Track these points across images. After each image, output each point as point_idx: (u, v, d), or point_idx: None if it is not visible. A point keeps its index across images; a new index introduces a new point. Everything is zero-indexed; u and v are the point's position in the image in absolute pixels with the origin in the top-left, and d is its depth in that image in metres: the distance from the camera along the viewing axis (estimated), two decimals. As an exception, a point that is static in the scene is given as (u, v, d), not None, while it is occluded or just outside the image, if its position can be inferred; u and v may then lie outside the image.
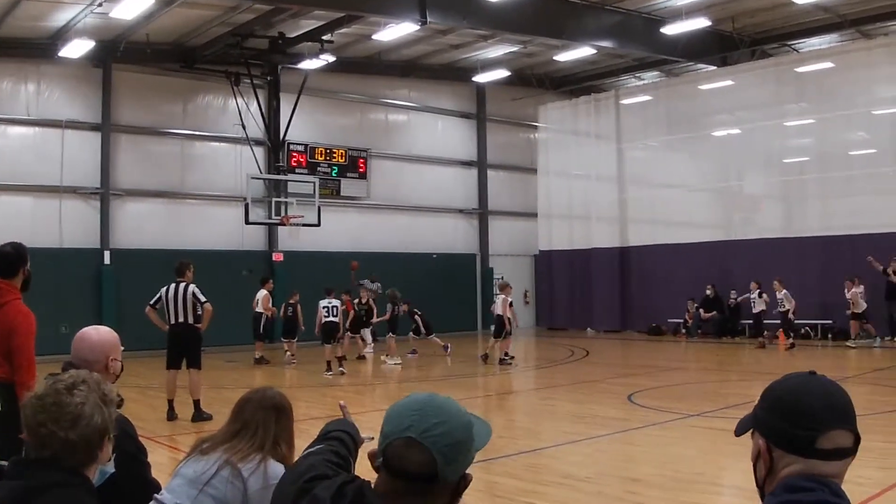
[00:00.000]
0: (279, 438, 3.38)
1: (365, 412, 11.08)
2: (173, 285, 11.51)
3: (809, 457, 1.76)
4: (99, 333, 3.76)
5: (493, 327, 19.47)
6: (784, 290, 20.71)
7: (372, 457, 1.96)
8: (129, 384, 13.54)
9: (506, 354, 18.44)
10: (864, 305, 20.66)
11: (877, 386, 13.79)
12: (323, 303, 17.64)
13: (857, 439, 1.80)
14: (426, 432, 1.86)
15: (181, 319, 11.39)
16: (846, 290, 20.77)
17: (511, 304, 19.00)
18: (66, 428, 2.28)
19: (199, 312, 11.48)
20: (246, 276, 23.21)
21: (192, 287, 11.45)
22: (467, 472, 1.96)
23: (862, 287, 20.55)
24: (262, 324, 19.25)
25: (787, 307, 20.62)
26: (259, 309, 19.20)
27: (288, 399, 3.56)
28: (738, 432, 1.96)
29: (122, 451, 3.30)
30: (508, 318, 18.44)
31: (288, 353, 18.95)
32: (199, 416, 11.12)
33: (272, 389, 3.57)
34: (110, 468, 2.52)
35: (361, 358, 20.04)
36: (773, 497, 1.77)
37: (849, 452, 1.79)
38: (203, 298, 11.40)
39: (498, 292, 18.75)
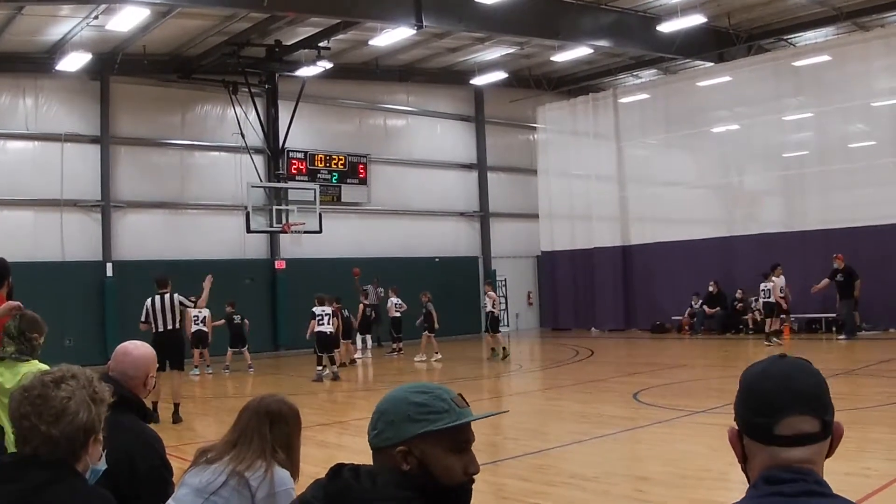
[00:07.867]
0: (276, 445, 3.36)
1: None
2: (157, 297, 12.36)
3: (769, 443, 1.68)
4: (139, 350, 3.84)
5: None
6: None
7: None
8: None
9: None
10: None
11: (882, 378, 13.78)
12: (317, 310, 17.35)
13: (825, 424, 1.69)
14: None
15: (169, 326, 12.27)
16: None
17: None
18: (49, 423, 2.18)
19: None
20: (248, 285, 23.26)
21: (176, 295, 12.39)
22: (403, 447, 1.94)
23: None
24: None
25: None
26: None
27: (290, 405, 3.52)
28: None
29: (150, 466, 3.39)
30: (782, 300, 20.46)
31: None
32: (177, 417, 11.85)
33: (271, 396, 3.54)
34: (102, 465, 2.48)
35: (353, 363, 20.20)
36: (755, 490, 1.70)
37: (815, 438, 1.68)
38: (188, 303, 12.47)
39: (773, 276, 20.54)
